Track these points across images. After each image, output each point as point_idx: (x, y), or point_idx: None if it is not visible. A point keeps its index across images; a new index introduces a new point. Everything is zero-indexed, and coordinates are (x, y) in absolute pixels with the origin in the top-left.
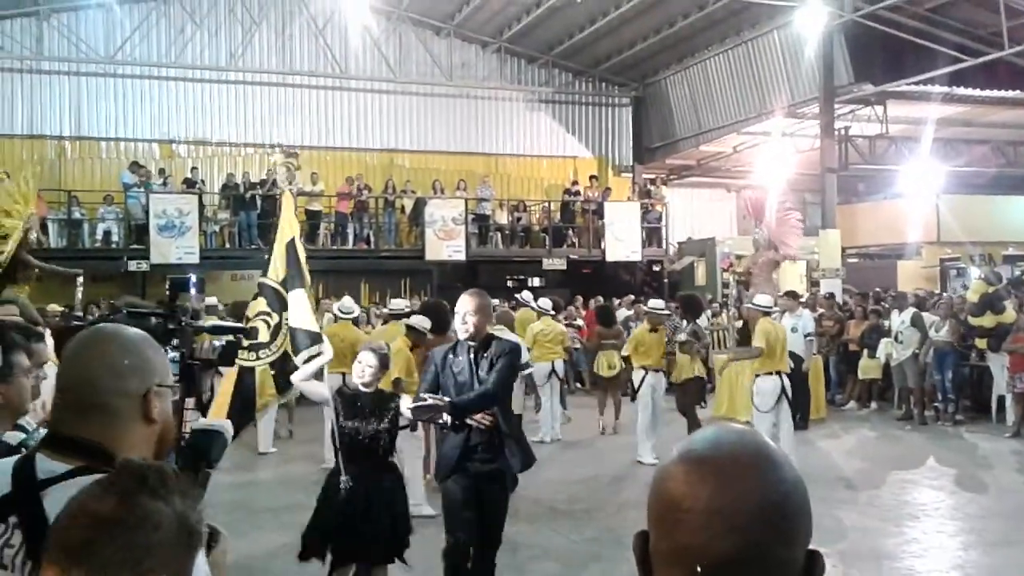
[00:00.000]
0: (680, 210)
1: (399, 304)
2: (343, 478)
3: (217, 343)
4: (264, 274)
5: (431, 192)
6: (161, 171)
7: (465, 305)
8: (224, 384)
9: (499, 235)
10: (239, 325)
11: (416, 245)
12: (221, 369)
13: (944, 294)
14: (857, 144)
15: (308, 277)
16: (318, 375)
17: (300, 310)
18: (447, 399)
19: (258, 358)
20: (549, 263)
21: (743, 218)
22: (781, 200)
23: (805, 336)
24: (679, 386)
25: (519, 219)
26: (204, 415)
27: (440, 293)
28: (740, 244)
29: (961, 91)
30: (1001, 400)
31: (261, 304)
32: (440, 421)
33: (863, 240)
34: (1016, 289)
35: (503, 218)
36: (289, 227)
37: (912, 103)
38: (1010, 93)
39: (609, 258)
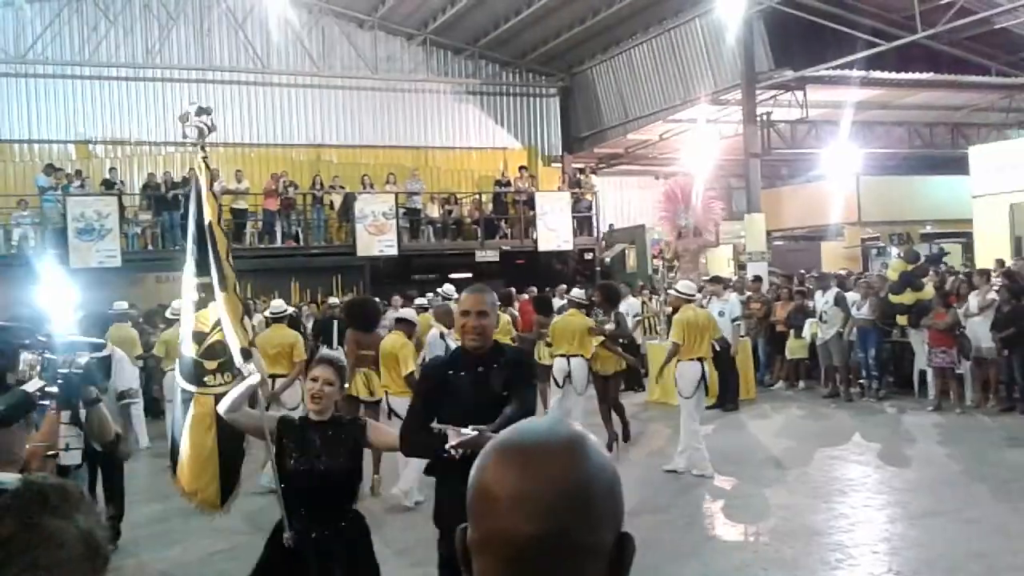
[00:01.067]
0: (610, 198)
1: (279, 305)
2: (287, 535)
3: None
4: (204, 272)
5: (360, 187)
6: (78, 173)
7: (472, 303)
8: (192, 420)
9: (431, 228)
10: (98, 341)
11: (347, 241)
12: (185, 398)
13: (866, 273)
14: (779, 129)
15: (231, 274)
16: (251, 402)
17: (223, 319)
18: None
19: (235, 376)
20: (482, 255)
21: (657, 203)
22: (705, 187)
23: (732, 320)
24: (606, 378)
25: (450, 212)
26: (82, 430)
27: (373, 288)
28: (669, 231)
29: (877, 74)
30: (922, 375)
31: (216, 310)
32: (446, 455)
33: (787, 223)
34: (934, 266)
35: (434, 211)
36: (209, 207)
37: (831, 87)
38: (924, 75)
39: (541, 248)
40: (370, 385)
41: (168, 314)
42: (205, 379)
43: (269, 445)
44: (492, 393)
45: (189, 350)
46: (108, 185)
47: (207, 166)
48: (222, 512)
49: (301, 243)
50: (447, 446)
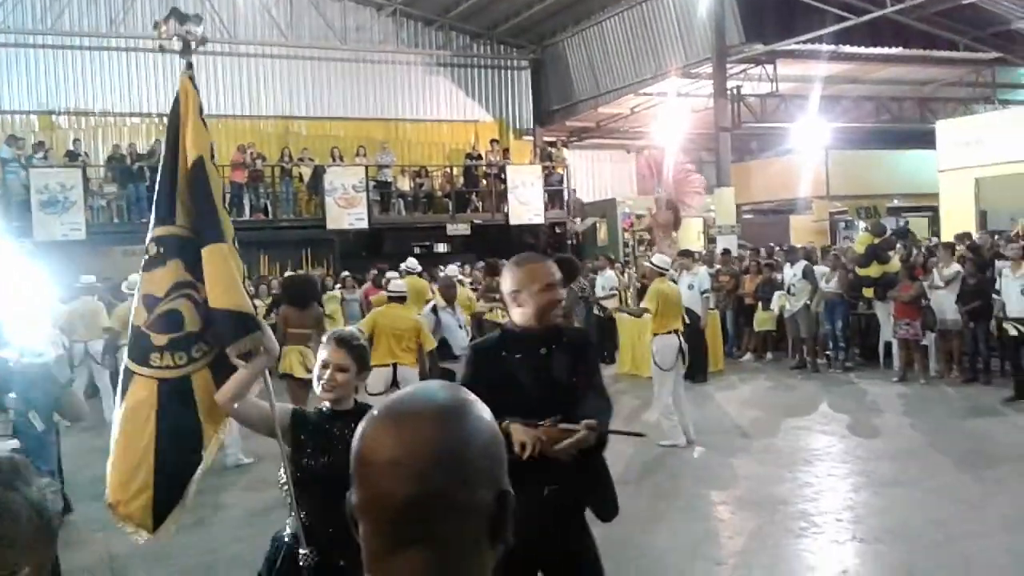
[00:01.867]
0: (581, 172)
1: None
2: (304, 551)
3: None
4: (166, 220)
5: (329, 160)
6: (40, 144)
7: (548, 273)
8: (127, 408)
9: (401, 202)
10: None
11: (316, 214)
12: (124, 378)
13: (834, 246)
14: (749, 103)
15: (229, 224)
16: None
17: (220, 278)
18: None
19: (190, 359)
20: (453, 228)
21: (643, 178)
22: (681, 160)
23: (702, 293)
24: None
25: (421, 185)
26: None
27: (344, 262)
28: (640, 204)
29: (847, 49)
30: (888, 346)
31: (177, 271)
32: (512, 456)
33: (757, 196)
34: (901, 239)
35: (405, 184)
36: (193, 141)
37: (801, 62)
38: (893, 50)
39: (513, 221)
40: (306, 362)
41: (124, 287)
42: (151, 357)
43: (281, 443)
44: (555, 381)
45: (137, 318)
46: (72, 156)
47: (195, 88)
48: (152, 537)
49: (270, 216)
50: (517, 447)
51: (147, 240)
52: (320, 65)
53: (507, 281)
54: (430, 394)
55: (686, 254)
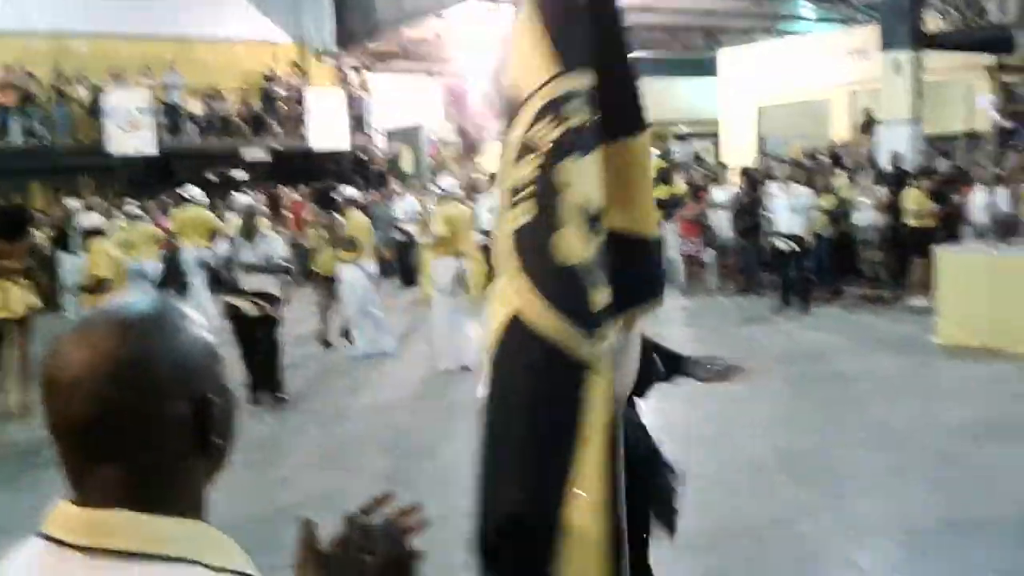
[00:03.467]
0: (387, 97)
1: None
2: None
3: None
4: (574, 65)
5: (110, 80)
6: None
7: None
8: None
9: (195, 126)
10: None
11: (97, 139)
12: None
13: None
14: None
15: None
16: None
17: (638, 187)
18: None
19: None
20: (251, 154)
21: (448, 106)
22: (482, 86)
23: None
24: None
25: (214, 109)
26: None
27: (132, 190)
28: (446, 131)
29: None
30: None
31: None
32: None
33: None
34: (696, 164)
35: (197, 108)
36: None
37: None
38: None
39: (314, 147)
40: (8, 301)
41: None
42: (594, 334)
43: None
44: None
45: (569, 247)
46: None
47: None
48: None
49: (43, 142)
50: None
51: (550, 99)
52: None
53: None
54: (119, 308)
55: (493, 178)
